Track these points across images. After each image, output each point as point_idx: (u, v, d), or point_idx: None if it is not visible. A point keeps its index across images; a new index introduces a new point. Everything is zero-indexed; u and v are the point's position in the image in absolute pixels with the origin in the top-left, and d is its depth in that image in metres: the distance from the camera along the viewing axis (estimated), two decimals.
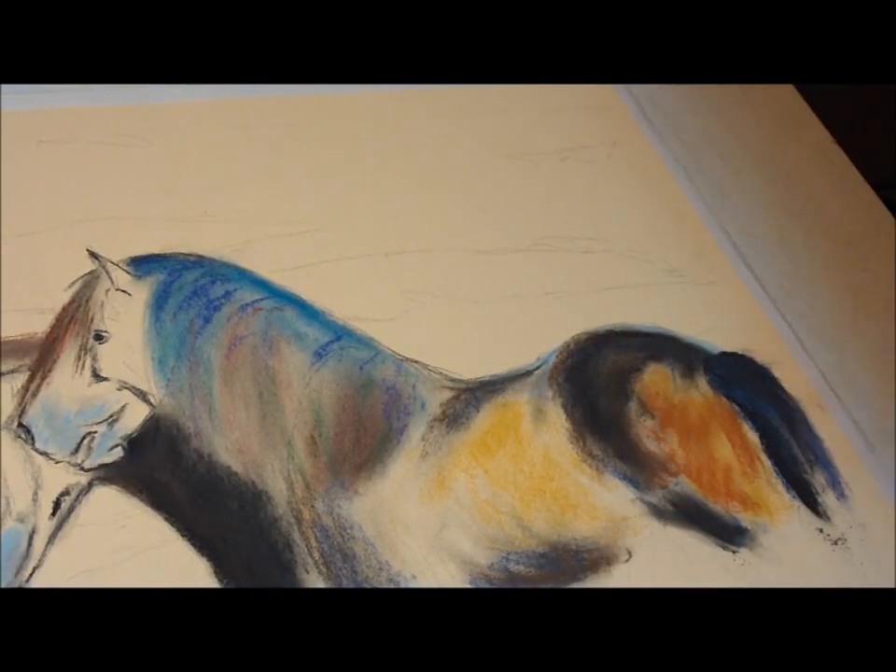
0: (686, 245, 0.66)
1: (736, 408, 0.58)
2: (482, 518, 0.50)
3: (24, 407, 0.46)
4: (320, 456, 0.49)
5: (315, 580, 0.46)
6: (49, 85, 0.57)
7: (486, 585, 0.48)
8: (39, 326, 0.48)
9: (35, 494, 0.44)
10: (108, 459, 0.46)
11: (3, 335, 0.47)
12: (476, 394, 0.54)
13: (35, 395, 0.46)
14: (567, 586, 0.49)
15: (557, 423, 0.54)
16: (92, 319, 0.49)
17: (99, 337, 0.48)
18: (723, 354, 0.60)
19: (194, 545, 0.45)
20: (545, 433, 0.53)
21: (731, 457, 0.56)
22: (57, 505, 0.44)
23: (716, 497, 0.54)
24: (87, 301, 0.49)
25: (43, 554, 0.43)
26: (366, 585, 0.46)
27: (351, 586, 0.46)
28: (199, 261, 0.53)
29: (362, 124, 0.64)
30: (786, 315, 0.66)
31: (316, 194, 0.59)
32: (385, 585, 0.46)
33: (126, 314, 0.49)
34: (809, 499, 0.56)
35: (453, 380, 0.54)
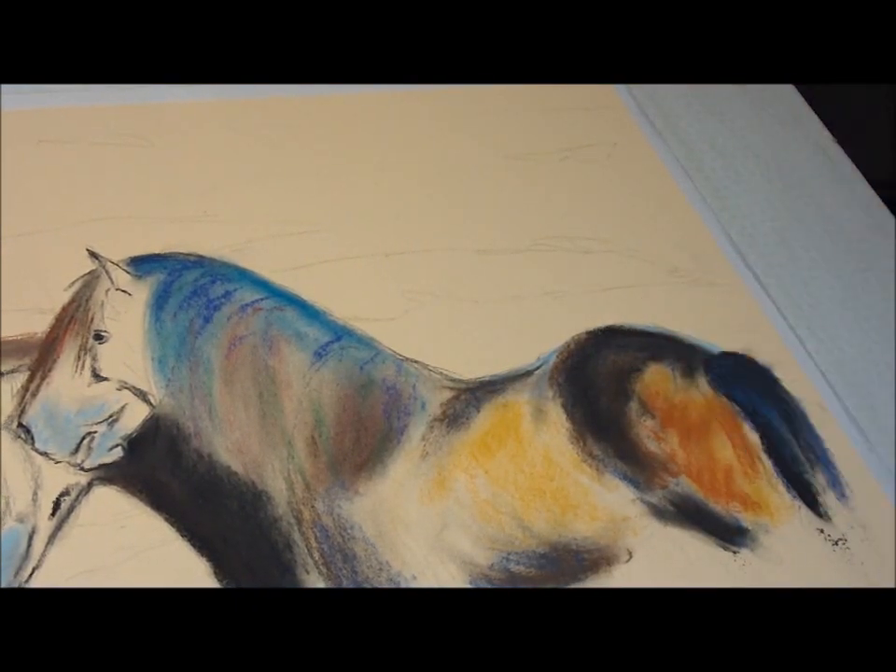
0: (686, 245, 0.66)
1: (737, 408, 0.58)
2: (482, 518, 0.50)
3: (24, 407, 0.46)
4: (320, 456, 0.49)
5: (315, 580, 0.45)
6: (49, 85, 0.57)
7: (487, 585, 0.47)
8: (39, 326, 0.48)
9: (35, 494, 0.44)
10: (108, 459, 0.46)
11: (3, 335, 0.47)
12: (476, 394, 0.54)
13: (34, 395, 0.46)
14: (568, 586, 0.49)
15: (558, 423, 0.54)
16: (92, 319, 0.49)
17: (99, 337, 0.48)
18: (724, 354, 0.60)
19: (194, 545, 0.45)
20: (545, 433, 0.53)
21: (731, 457, 0.56)
22: (57, 505, 0.44)
23: (716, 498, 0.54)
24: (87, 300, 0.49)
25: (43, 555, 0.43)
26: (366, 585, 0.46)
27: (351, 586, 0.46)
28: (199, 261, 0.53)
29: (362, 124, 0.64)
30: (786, 315, 0.66)
31: (316, 194, 0.59)
32: (386, 585, 0.46)
33: (126, 314, 0.49)
34: (810, 499, 0.56)
35: (453, 380, 0.54)
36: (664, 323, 0.60)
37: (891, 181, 0.84)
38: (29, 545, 0.43)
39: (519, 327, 0.58)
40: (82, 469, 0.45)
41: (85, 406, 0.46)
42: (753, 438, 0.57)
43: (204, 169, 0.58)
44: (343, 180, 0.61)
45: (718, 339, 0.61)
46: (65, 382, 0.47)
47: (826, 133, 0.79)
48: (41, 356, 0.47)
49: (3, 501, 0.43)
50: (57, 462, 0.45)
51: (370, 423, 0.51)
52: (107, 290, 0.50)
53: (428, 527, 0.48)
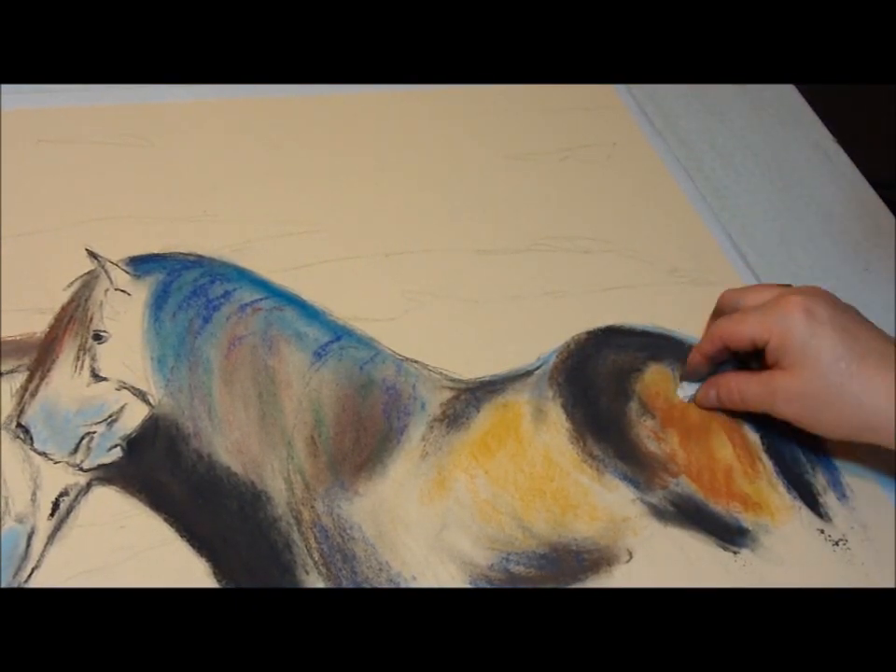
0: (686, 245, 0.66)
1: None
2: (482, 518, 0.50)
3: (23, 407, 0.46)
4: (320, 457, 0.49)
5: (314, 580, 0.45)
6: (49, 85, 0.57)
7: (486, 585, 0.47)
8: (38, 326, 0.48)
9: (34, 494, 0.44)
10: (107, 459, 0.46)
11: (2, 335, 0.47)
12: (476, 394, 0.53)
13: (33, 395, 0.46)
14: (568, 586, 0.49)
15: (558, 423, 0.54)
16: (91, 319, 0.49)
17: (98, 337, 0.48)
18: None
19: (193, 545, 0.45)
20: (545, 433, 0.53)
21: (732, 458, 0.56)
22: (56, 505, 0.44)
23: (717, 498, 0.54)
24: (86, 300, 0.49)
25: (42, 555, 0.43)
26: (366, 586, 0.46)
27: (351, 587, 0.46)
28: (198, 261, 0.53)
29: (362, 124, 0.64)
30: None
31: (316, 194, 0.59)
32: (385, 586, 0.46)
33: (125, 313, 0.49)
34: (810, 500, 0.56)
35: (453, 380, 0.54)
36: (664, 323, 0.60)
37: (891, 181, 0.84)
38: (28, 545, 0.43)
39: (519, 327, 0.58)
40: (81, 469, 0.45)
41: (84, 406, 0.46)
42: (753, 438, 0.57)
43: (204, 169, 0.58)
44: (343, 180, 0.61)
45: None
46: (64, 382, 0.47)
47: (826, 133, 0.79)
48: (40, 356, 0.47)
49: (2, 501, 0.43)
50: (56, 462, 0.45)
51: (369, 423, 0.51)
52: (106, 290, 0.50)
53: (428, 527, 0.48)
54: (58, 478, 0.44)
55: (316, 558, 0.46)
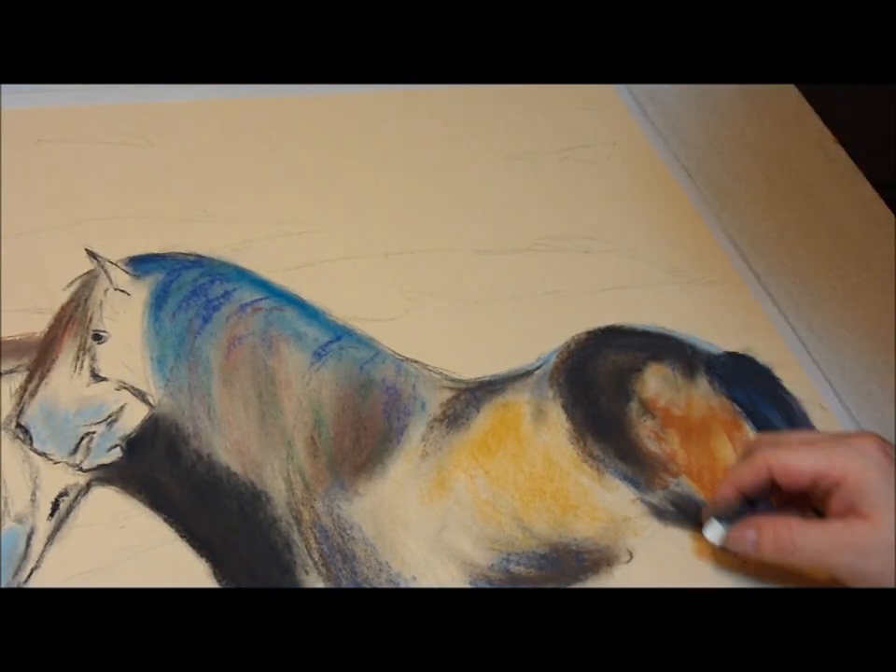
0: (686, 245, 0.66)
1: (738, 408, 0.58)
2: (482, 518, 0.50)
3: (23, 407, 0.46)
4: (320, 457, 0.49)
5: (314, 580, 0.45)
6: (49, 85, 0.57)
7: (486, 586, 0.47)
8: (38, 326, 0.48)
9: (34, 494, 0.44)
10: (107, 460, 0.46)
11: (2, 335, 0.47)
12: (476, 394, 0.53)
13: (33, 395, 0.46)
14: (568, 587, 0.49)
15: (558, 423, 0.54)
16: (91, 319, 0.49)
17: (98, 337, 0.48)
18: (724, 354, 0.60)
19: (193, 546, 0.45)
20: (545, 433, 0.53)
21: (732, 458, 0.56)
22: (55, 505, 0.44)
23: None
24: (86, 300, 0.49)
25: (41, 555, 0.43)
26: (365, 586, 0.46)
27: (350, 587, 0.46)
28: (198, 261, 0.53)
29: (362, 124, 0.64)
30: (787, 314, 0.65)
31: (316, 194, 0.59)
32: (385, 586, 0.46)
33: (125, 313, 0.49)
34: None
35: (453, 380, 0.54)
36: (664, 323, 0.60)
37: (891, 181, 0.84)
38: (28, 545, 0.43)
39: (519, 327, 0.58)
40: (81, 469, 0.45)
41: (84, 406, 0.46)
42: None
43: (204, 169, 0.58)
44: (343, 180, 0.61)
45: (718, 339, 0.60)
46: (64, 382, 0.47)
47: (826, 133, 0.79)
48: (40, 356, 0.47)
49: (1, 502, 0.43)
50: (56, 462, 0.45)
51: (369, 423, 0.51)
52: (106, 290, 0.50)
53: (428, 528, 0.48)
54: (57, 478, 0.44)
55: (316, 558, 0.46)
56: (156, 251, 0.52)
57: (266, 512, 0.46)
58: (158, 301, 0.50)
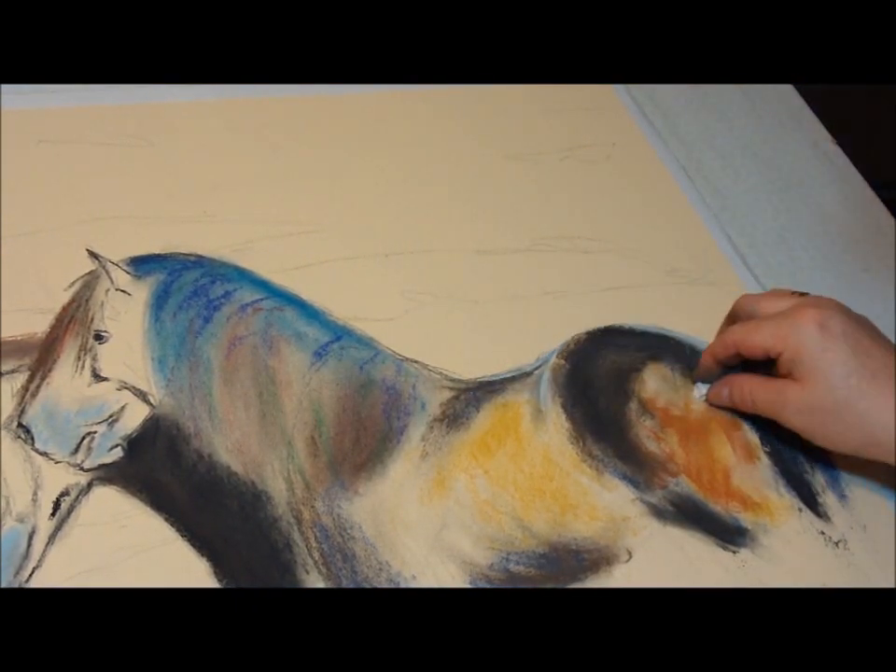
0: (686, 245, 0.66)
1: None
2: (482, 518, 0.50)
3: (24, 407, 0.46)
4: (320, 456, 0.49)
5: (314, 580, 0.45)
6: (49, 85, 0.57)
7: (486, 585, 0.47)
8: (39, 326, 0.48)
9: (35, 494, 0.44)
10: (108, 459, 0.46)
11: (3, 335, 0.47)
12: (476, 394, 0.54)
13: (34, 395, 0.46)
14: (568, 586, 0.49)
15: (557, 423, 0.54)
16: (92, 319, 0.49)
17: (99, 337, 0.48)
18: None
19: (194, 545, 0.45)
20: (545, 433, 0.53)
21: (731, 458, 0.56)
22: (57, 505, 0.44)
23: (716, 498, 0.54)
24: (87, 301, 0.49)
25: (43, 555, 0.43)
26: (366, 585, 0.46)
27: (351, 586, 0.46)
28: (199, 261, 0.53)
29: (362, 124, 0.64)
30: None
31: (316, 194, 0.59)
32: (385, 585, 0.46)
33: (126, 314, 0.49)
34: (810, 500, 0.56)
35: (453, 380, 0.54)
36: (664, 323, 0.60)
37: (891, 181, 0.84)
38: (29, 545, 0.43)
39: (519, 327, 0.58)
40: (82, 469, 0.45)
41: (85, 406, 0.46)
42: (753, 438, 0.57)
43: (204, 169, 0.58)
44: (343, 180, 0.61)
45: None
46: (65, 382, 0.47)
47: (826, 134, 0.79)
48: (41, 356, 0.47)
49: (3, 501, 0.43)
50: (57, 462, 0.45)
51: (369, 423, 0.51)
52: (107, 290, 0.50)
53: (428, 527, 0.48)
54: (59, 478, 0.45)
55: (316, 558, 0.46)
56: (157, 251, 0.53)
57: (266, 512, 0.46)
58: (159, 302, 0.50)
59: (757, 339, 0.53)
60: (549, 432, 0.53)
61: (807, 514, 0.55)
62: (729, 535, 0.53)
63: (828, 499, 0.56)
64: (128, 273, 0.51)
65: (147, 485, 0.45)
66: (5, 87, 0.56)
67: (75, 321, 0.48)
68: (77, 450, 0.45)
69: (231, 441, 0.48)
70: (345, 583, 0.46)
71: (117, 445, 0.46)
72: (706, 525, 0.53)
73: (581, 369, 0.56)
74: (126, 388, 0.47)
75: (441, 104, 0.67)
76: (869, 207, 0.75)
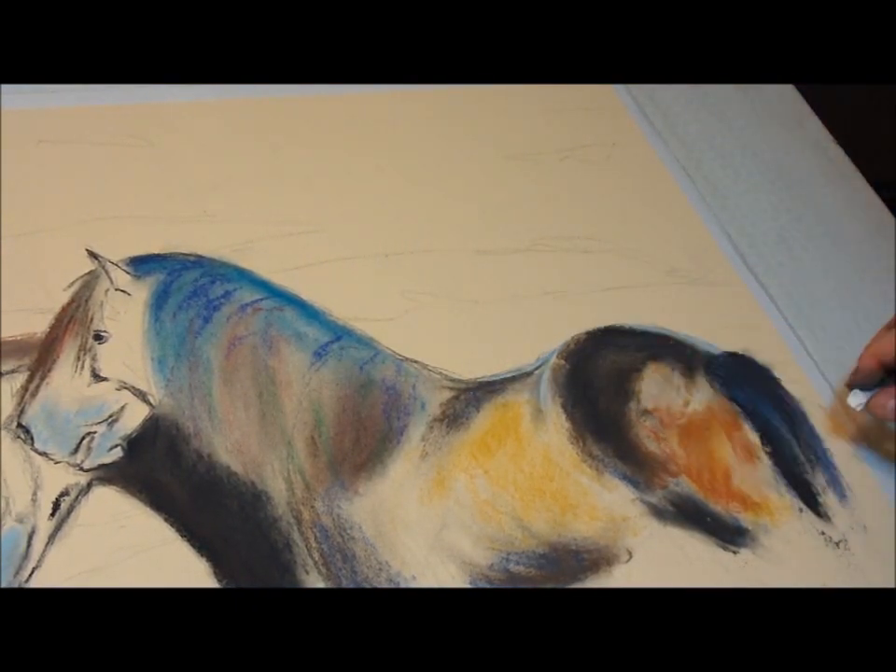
0: (686, 245, 0.66)
1: (737, 408, 0.58)
2: (482, 518, 0.50)
3: (24, 407, 0.46)
4: (320, 457, 0.49)
5: (314, 580, 0.45)
6: (49, 85, 0.57)
7: (486, 585, 0.47)
8: (39, 326, 0.48)
9: (35, 494, 0.44)
10: (108, 459, 0.46)
11: (3, 335, 0.47)
12: (476, 394, 0.53)
13: (34, 395, 0.46)
14: (568, 586, 0.49)
15: (557, 423, 0.54)
16: (92, 319, 0.49)
17: (98, 337, 0.48)
18: (724, 354, 0.60)
19: (194, 545, 0.45)
20: (545, 433, 0.53)
21: (731, 458, 0.56)
22: (56, 505, 0.44)
23: (716, 498, 0.54)
24: (86, 301, 0.49)
25: (42, 555, 0.43)
26: (365, 585, 0.46)
27: (351, 586, 0.46)
28: (198, 261, 0.53)
29: (362, 124, 0.64)
30: (786, 315, 0.66)
31: (316, 194, 0.59)
32: (385, 585, 0.46)
33: (125, 314, 0.49)
34: (810, 500, 0.56)
35: (453, 380, 0.54)
36: (664, 323, 0.60)
37: (891, 181, 0.84)
38: (28, 545, 0.43)
39: (519, 327, 0.58)
40: (82, 469, 0.45)
41: (84, 406, 0.46)
42: (753, 438, 0.57)
43: (204, 169, 0.58)
44: (343, 180, 0.61)
45: (718, 339, 0.61)
46: (65, 382, 0.47)
47: (826, 133, 0.79)
48: (41, 356, 0.47)
49: (3, 501, 0.43)
50: (56, 462, 0.45)
51: (369, 423, 0.51)
52: (107, 290, 0.50)
53: (428, 527, 0.48)
54: (58, 478, 0.45)
55: (316, 558, 0.46)
56: (156, 251, 0.53)
57: (266, 512, 0.46)
58: (158, 302, 0.50)
59: None
60: (549, 432, 0.53)
61: (808, 514, 0.55)
62: (729, 535, 0.53)
63: (828, 499, 0.56)
64: (127, 272, 0.51)
65: (147, 485, 0.45)
66: (5, 87, 0.56)
67: (74, 321, 0.48)
68: (76, 450, 0.45)
69: (231, 441, 0.48)
70: (345, 583, 0.46)
71: (116, 445, 0.46)
72: (706, 525, 0.53)
73: (581, 369, 0.56)
74: (126, 388, 0.47)
75: (441, 104, 0.67)
76: (869, 207, 0.75)
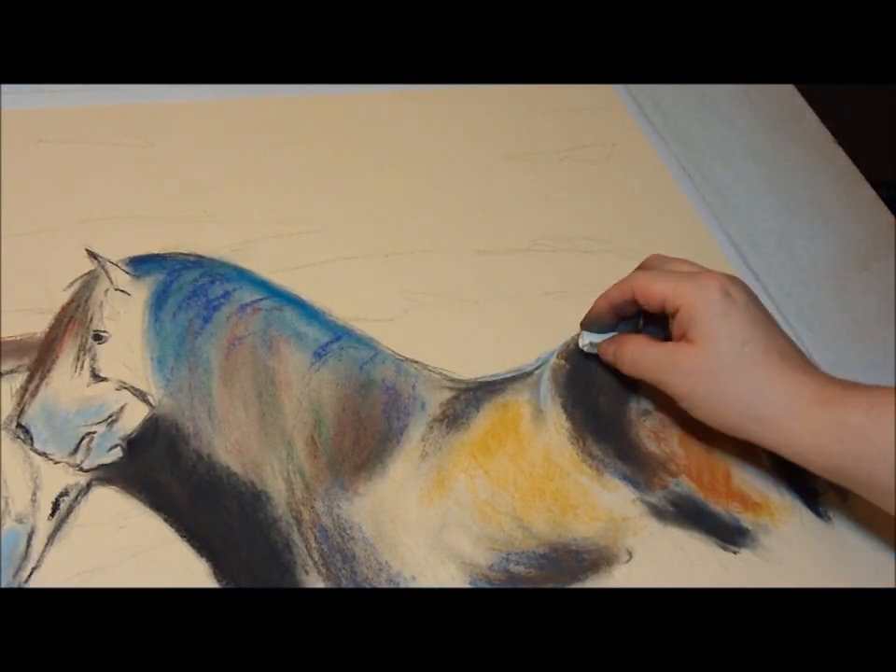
0: (686, 245, 0.66)
1: None
2: (482, 518, 0.50)
3: (23, 407, 0.46)
4: (320, 457, 0.49)
5: (314, 580, 0.45)
6: (49, 85, 0.57)
7: (486, 586, 0.47)
8: (38, 326, 0.48)
9: (34, 494, 0.44)
10: (107, 460, 0.46)
11: (2, 335, 0.47)
12: (476, 394, 0.53)
13: (33, 395, 0.46)
14: (568, 587, 0.49)
15: (557, 423, 0.54)
16: (91, 319, 0.49)
17: (98, 337, 0.48)
18: None
19: (193, 546, 0.45)
20: (545, 433, 0.53)
21: (732, 458, 0.56)
22: (56, 505, 0.44)
23: (716, 498, 0.54)
24: (86, 301, 0.49)
25: (42, 555, 0.43)
26: (365, 586, 0.46)
27: (350, 587, 0.46)
28: (198, 261, 0.53)
29: (362, 124, 0.64)
30: (786, 315, 0.65)
31: (316, 194, 0.59)
32: (385, 586, 0.46)
33: (125, 314, 0.49)
34: (810, 500, 0.56)
35: (453, 380, 0.54)
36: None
37: (891, 181, 0.84)
38: (28, 545, 0.43)
39: (519, 327, 0.58)
40: (81, 469, 0.45)
41: (84, 406, 0.46)
42: None
43: (204, 169, 0.58)
44: (343, 180, 0.61)
45: None
46: (64, 382, 0.47)
47: (826, 133, 0.79)
48: (40, 356, 0.47)
49: (2, 502, 0.43)
50: (56, 462, 0.45)
51: (369, 423, 0.51)
52: (106, 290, 0.50)
53: (428, 527, 0.48)
54: (58, 478, 0.44)
55: (316, 558, 0.46)
56: (156, 251, 0.52)
57: (266, 512, 0.46)
58: (158, 302, 0.50)
59: (658, 287, 0.51)
60: (549, 432, 0.53)
61: (808, 515, 0.55)
62: (729, 535, 0.53)
63: (828, 499, 0.56)
64: (127, 272, 0.51)
65: (147, 486, 0.45)
66: (5, 87, 0.56)
67: (74, 321, 0.48)
68: (76, 450, 0.45)
69: (231, 441, 0.48)
70: (345, 584, 0.46)
71: (116, 445, 0.46)
72: (706, 525, 0.53)
73: (582, 369, 0.56)
74: (125, 388, 0.47)
75: (441, 104, 0.67)
76: (869, 207, 0.75)
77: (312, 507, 0.47)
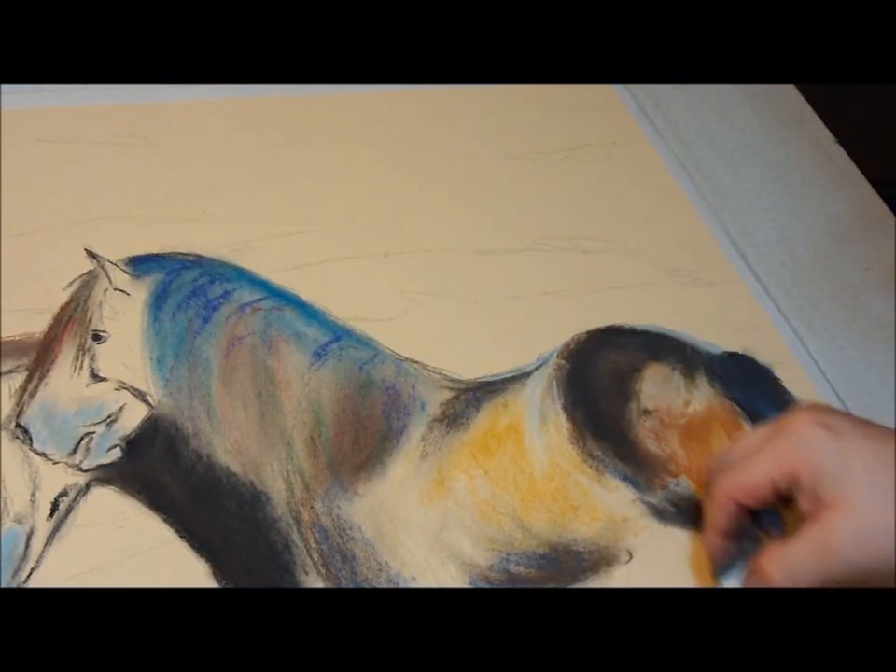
0: (686, 245, 0.66)
1: (737, 408, 0.58)
2: (482, 519, 0.50)
3: (22, 407, 0.46)
4: (319, 457, 0.49)
5: (314, 580, 0.45)
6: (49, 85, 0.57)
7: (486, 586, 0.47)
8: (37, 326, 0.48)
9: (33, 494, 0.44)
10: (106, 460, 0.46)
11: (1, 335, 0.47)
12: (476, 394, 0.53)
13: (32, 395, 0.46)
14: (568, 587, 0.49)
15: (557, 423, 0.54)
16: (91, 319, 0.49)
17: (97, 337, 0.48)
18: (724, 354, 0.60)
19: (193, 546, 0.45)
20: (545, 434, 0.53)
21: None
22: (55, 506, 0.44)
23: None
24: (85, 300, 0.49)
25: (41, 555, 0.43)
26: (365, 586, 0.46)
27: (350, 587, 0.46)
28: (198, 261, 0.53)
29: (362, 124, 0.64)
30: (787, 314, 0.65)
31: (316, 194, 0.59)
32: (385, 586, 0.46)
33: (124, 313, 0.49)
34: None
35: (453, 380, 0.54)
36: (664, 323, 0.60)
37: (891, 180, 0.84)
38: (27, 546, 0.43)
39: (519, 327, 0.58)
40: (80, 469, 0.45)
41: (83, 406, 0.46)
42: None
43: (204, 169, 0.58)
44: (343, 180, 0.61)
45: (718, 339, 0.60)
46: (64, 382, 0.47)
47: (826, 133, 0.79)
48: (39, 356, 0.47)
49: (1, 502, 0.43)
50: (55, 463, 0.45)
51: (369, 423, 0.51)
52: (106, 290, 0.50)
53: (428, 528, 0.48)
54: (57, 478, 0.44)
55: (316, 558, 0.46)
56: (156, 251, 0.52)
57: (266, 513, 0.46)
58: (157, 302, 0.50)
59: (757, 473, 0.42)
60: (549, 433, 0.53)
61: None
62: None
63: None
64: (126, 272, 0.51)
65: (146, 486, 0.45)
66: (5, 87, 0.56)
67: (73, 321, 0.48)
68: (75, 450, 0.45)
69: (230, 441, 0.48)
70: (345, 584, 0.46)
71: (115, 446, 0.46)
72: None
73: (582, 369, 0.56)
74: (124, 388, 0.47)
75: (441, 104, 0.67)
76: (870, 207, 0.75)
77: (311, 507, 0.47)
